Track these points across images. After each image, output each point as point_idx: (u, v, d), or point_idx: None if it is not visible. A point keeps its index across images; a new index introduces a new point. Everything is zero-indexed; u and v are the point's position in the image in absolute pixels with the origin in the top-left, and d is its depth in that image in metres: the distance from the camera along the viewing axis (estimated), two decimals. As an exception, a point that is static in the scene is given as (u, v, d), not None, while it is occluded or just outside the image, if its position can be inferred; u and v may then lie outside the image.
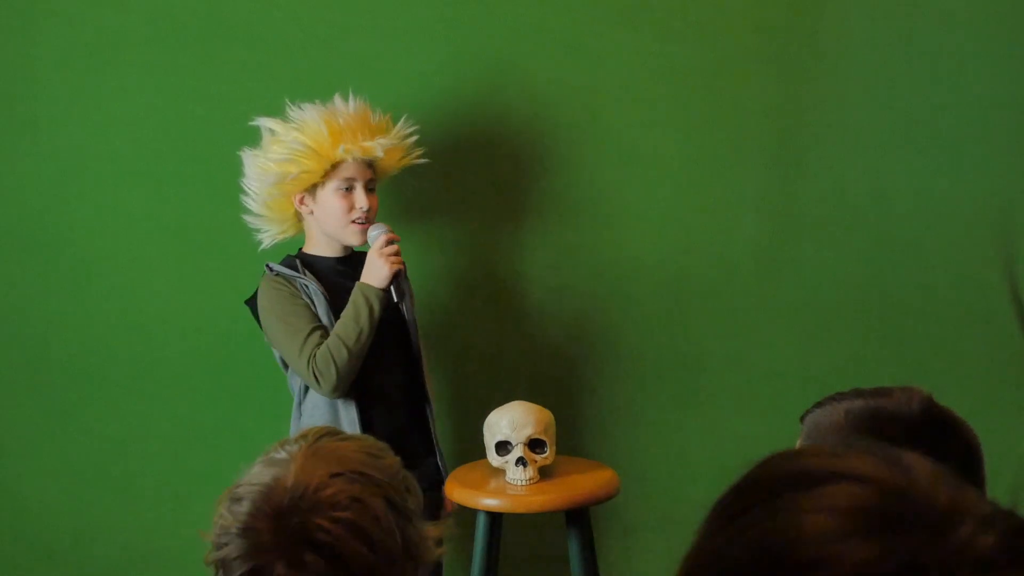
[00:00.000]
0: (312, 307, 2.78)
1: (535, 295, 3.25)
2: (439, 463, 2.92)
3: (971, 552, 0.56)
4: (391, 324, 2.84)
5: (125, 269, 3.16)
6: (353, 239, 2.86)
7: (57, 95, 3.12)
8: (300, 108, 2.84)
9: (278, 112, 2.89)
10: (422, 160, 2.98)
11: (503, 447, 2.75)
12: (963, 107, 3.29)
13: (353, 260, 2.89)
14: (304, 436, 1.40)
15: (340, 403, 2.78)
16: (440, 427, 3.03)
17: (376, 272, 2.76)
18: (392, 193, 3.15)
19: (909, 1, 3.27)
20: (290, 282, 2.80)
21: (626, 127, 3.24)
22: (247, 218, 2.93)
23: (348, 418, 2.78)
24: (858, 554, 0.56)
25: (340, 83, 3.07)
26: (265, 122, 2.86)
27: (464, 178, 3.22)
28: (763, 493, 0.61)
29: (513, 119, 3.21)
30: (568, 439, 3.08)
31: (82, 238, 3.15)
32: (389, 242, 2.78)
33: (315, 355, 2.71)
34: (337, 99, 2.87)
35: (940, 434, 1.39)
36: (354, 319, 2.73)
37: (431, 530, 1.38)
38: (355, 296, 2.76)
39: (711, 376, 3.30)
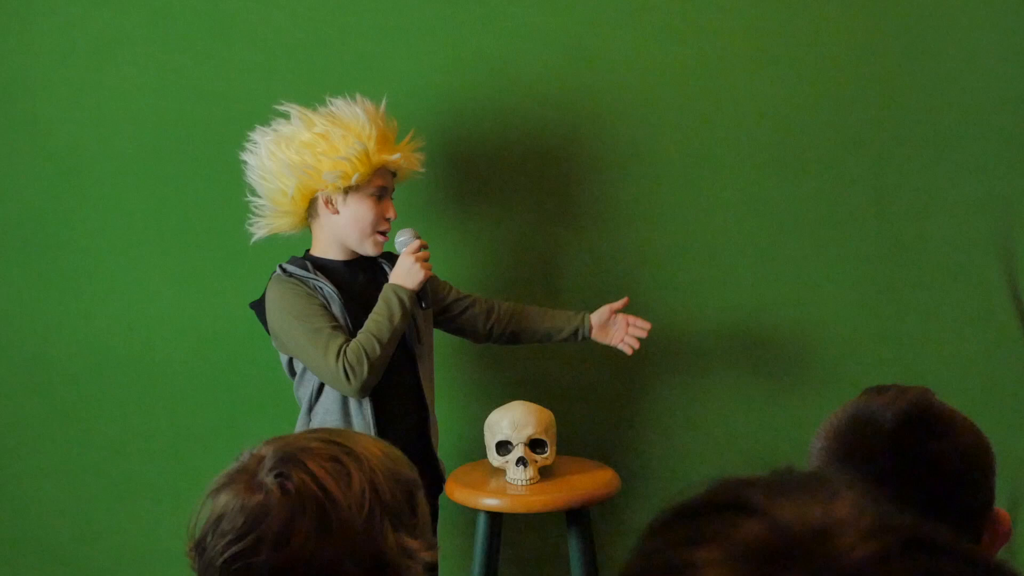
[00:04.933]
0: (328, 307, 2.73)
1: (535, 294, 3.24)
2: (436, 468, 2.87)
3: (840, 564, 0.55)
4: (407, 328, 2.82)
5: (125, 269, 3.16)
6: (371, 249, 2.80)
7: (57, 95, 3.12)
8: (334, 104, 2.78)
9: (277, 112, 2.88)
10: (420, 173, 2.95)
11: (503, 447, 2.75)
12: (963, 107, 3.29)
13: (359, 265, 2.84)
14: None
15: (353, 407, 2.74)
16: (441, 427, 3.03)
17: (411, 275, 2.73)
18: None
19: (909, 1, 3.27)
20: (303, 282, 2.74)
21: (626, 127, 3.24)
22: (255, 204, 2.83)
23: (362, 421, 2.74)
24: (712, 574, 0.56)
25: (340, 83, 3.07)
26: (298, 109, 2.77)
27: (463, 178, 3.22)
28: (665, 525, 0.62)
29: (513, 119, 3.21)
30: (568, 439, 3.08)
31: (82, 238, 3.15)
32: (421, 247, 2.77)
33: (345, 351, 2.65)
34: (361, 99, 2.80)
35: (918, 441, 1.35)
36: (388, 318, 2.69)
37: (418, 548, 1.33)
38: (387, 296, 2.72)
39: (711, 376, 3.30)
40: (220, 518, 1.29)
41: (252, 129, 3.01)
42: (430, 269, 2.77)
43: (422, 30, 3.16)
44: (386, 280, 2.81)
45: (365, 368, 2.64)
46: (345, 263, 2.82)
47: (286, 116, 2.78)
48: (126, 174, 3.14)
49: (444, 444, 3.07)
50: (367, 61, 3.15)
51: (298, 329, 2.69)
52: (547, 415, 2.79)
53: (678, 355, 3.29)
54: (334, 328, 2.68)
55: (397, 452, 1.40)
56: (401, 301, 2.71)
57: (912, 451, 1.34)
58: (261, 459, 1.32)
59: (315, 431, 1.40)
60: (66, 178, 3.14)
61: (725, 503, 0.60)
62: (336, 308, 2.73)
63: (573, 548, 2.84)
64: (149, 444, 3.19)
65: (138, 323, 3.16)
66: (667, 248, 3.27)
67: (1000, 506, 1.49)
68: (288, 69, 3.12)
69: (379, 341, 2.66)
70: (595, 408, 3.28)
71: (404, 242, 2.78)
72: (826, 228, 3.29)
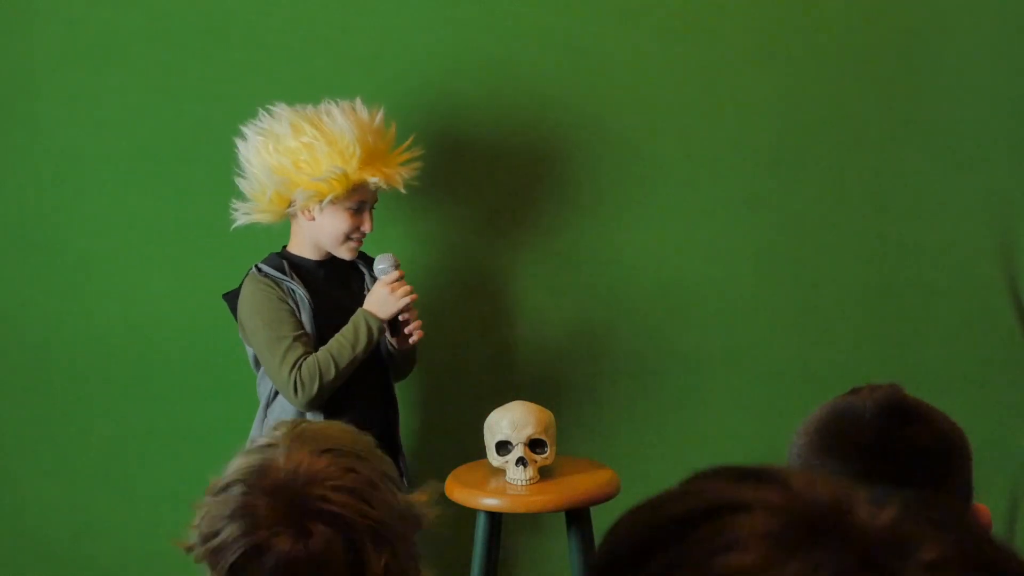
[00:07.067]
0: (297, 312, 2.75)
1: (535, 295, 3.25)
2: (400, 465, 2.87)
3: (874, 532, 0.56)
4: None
5: (125, 269, 3.16)
6: (346, 255, 2.82)
7: (57, 95, 3.12)
8: (329, 111, 2.77)
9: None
10: (402, 190, 2.89)
11: (503, 447, 2.75)
12: (963, 107, 3.29)
13: (332, 264, 2.86)
14: (282, 424, 1.40)
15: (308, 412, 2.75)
16: (440, 427, 3.03)
17: (385, 306, 2.75)
18: (390, 191, 3.15)
19: (909, 1, 3.27)
20: (277, 284, 2.76)
21: (626, 127, 3.24)
22: (241, 187, 2.83)
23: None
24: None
25: (340, 83, 3.07)
26: (289, 112, 2.77)
27: (463, 178, 3.22)
28: (661, 543, 0.60)
29: (513, 119, 3.21)
30: (568, 439, 3.08)
31: (82, 238, 3.15)
32: (399, 278, 2.76)
33: (301, 365, 2.68)
34: (360, 107, 2.80)
35: (898, 428, 1.39)
36: (352, 344, 2.71)
37: (417, 496, 1.38)
38: (358, 321, 2.74)
39: (711, 376, 3.30)
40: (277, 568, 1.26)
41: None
42: (408, 295, 2.75)
43: (422, 30, 3.16)
44: (360, 284, 2.86)
45: (315, 387, 2.68)
46: (320, 263, 2.84)
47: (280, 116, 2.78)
48: (126, 174, 3.14)
49: (444, 444, 3.07)
50: (366, 61, 3.14)
51: (262, 333, 2.73)
52: (547, 415, 2.79)
53: (678, 355, 3.29)
54: (296, 338, 2.71)
55: (347, 424, 1.43)
56: (369, 329, 2.73)
57: (892, 438, 1.38)
58: (274, 500, 1.27)
59: (290, 444, 1.35)
60: (66, 178, 3.14)
61: (710, 508, 0.59)
62: (305, 314, 2.75)
63: (573, 548, 2.84)
64: (149, 444, 3.19)
65: (138, 323, 3.16)
66: (667, 248, 3.27)
67: (1001, 505, 1.51)
68: (288, 69, 3.12)
69: (336, 364, 2.69)
70: (595, 408, 3.28)
71: (382, 270, 2.79)
72: (826, 228, 3.29)
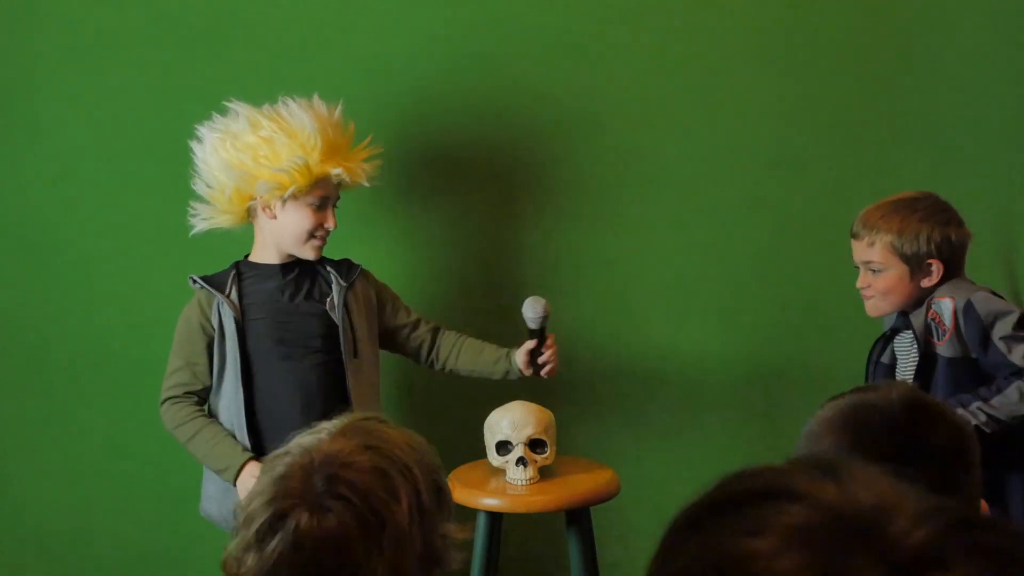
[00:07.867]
0: (211, 331, 2.73)
1: (535, 294, 3.24)
2: None
3: (901, 548, 0.56)
4: (322, 326, 2.76)
5: (125, 269, 3.16)
6: (309, 255, 2.75)
7: (57, 95, 3.12)
8: (287, 106, 2.74)
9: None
10: (366, 184, 2.85)
11: (503, 447, 2.75)
12: (962, 107, 3.29)
13: (295, 267, 2.79)
14: (350, 415, 1.47)
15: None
16: (440, 427, 3.02)
17: (241, 487, 2.60)
18: (391, 191, 3.15)
19: (909, 1, 3.27)
20: (207, 301, 2.74)
21: (626, 127, 3.24)
22: (198, 193, 2.81)
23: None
24: (782, 565, 0.56)
25: (340, 83, 3.07)
26: (247, 108, 2.73)
27: (464, 177, 3.22)
28: (708, 516, 0.63)
29: (513, 119, 3.21)
30: (568, 439, 3.08)
31: (82, 238, 3.15)
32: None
33: (171, 401, 2.74)
34: (318, 102, 2.77)
35: (921, 424, 1.42)
36: (205, 454, 2.71)
37: (455, 531, 1.41)
38: (228, 456, 2.67)
39: (711, 376, 3.30)
40: (297, 546, 1.31)
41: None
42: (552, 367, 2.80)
43: (422, 30, 3.16)
44: (324, 293, 2.77)
45: (169, 427, 2.76)
46: (282, 266, 2.79)
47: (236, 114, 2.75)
48: (126, 174, 3.14)
49: (444, 444, 3.07)
50: (367, 61, 3.14)
51: (173, 346, 2.78)
52: (547, 415, 2.79)
53: (678, 355, 3.29)
54: (189, 365, 2.73)
55: (418, 438, 1.45)
56: (226, 469, 2.66)
57: (920, 433, 1.41)
58: (307, 476, 1.33)
59: (344, 432, 1.40)
60: (66, 178, 3.14)
61: (765, 491, 0.61)
62: (229, 331, 2.70)
63: (573, 548, 2.84)
64: (149, 444, 3.18)
65: (138, 323, 3.16)
66: (667, 248, 3.27)
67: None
68: (288, 69, 3.12)
69: (188, 440, 2.73)
70: (595, 408, 3.28)
71: (531, 319, 2.80)
72: (826, 228, 3.29)
